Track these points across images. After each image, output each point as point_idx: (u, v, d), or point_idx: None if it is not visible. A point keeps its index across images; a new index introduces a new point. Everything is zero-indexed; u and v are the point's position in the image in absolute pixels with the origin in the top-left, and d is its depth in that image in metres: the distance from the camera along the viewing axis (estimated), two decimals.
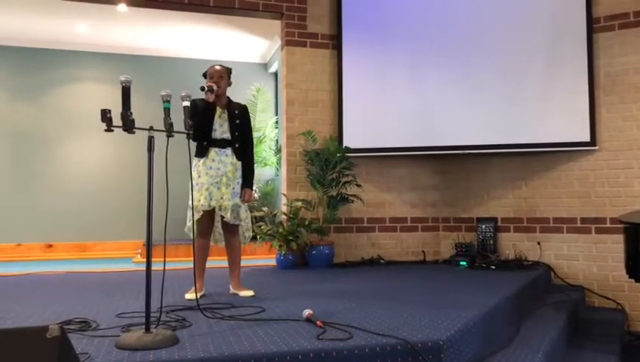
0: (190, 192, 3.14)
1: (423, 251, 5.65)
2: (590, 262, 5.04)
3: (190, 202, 3.35)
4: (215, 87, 3.36)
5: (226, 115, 3.47)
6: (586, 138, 5.05)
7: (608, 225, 4.93)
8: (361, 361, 2.15)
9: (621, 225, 3.86)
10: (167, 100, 2.44)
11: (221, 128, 3.44)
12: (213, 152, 3.41)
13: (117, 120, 2.31)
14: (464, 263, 5.08)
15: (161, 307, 2.54)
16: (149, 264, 2.27)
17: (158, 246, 2.82)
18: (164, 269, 2.45)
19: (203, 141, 3.41)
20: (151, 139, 2.33)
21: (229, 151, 3.46)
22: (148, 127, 2.32)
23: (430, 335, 2.32)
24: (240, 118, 3.53)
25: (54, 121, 7.72)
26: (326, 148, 5.19)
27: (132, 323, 2.49)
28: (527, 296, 3.92)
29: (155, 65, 7.86)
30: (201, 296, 3.22)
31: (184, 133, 2.51)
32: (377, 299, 3.31)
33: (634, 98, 4.93)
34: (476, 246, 5.41)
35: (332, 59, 5.58)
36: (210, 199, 3.37)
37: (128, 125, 2.32)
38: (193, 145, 2.56)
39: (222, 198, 3.38)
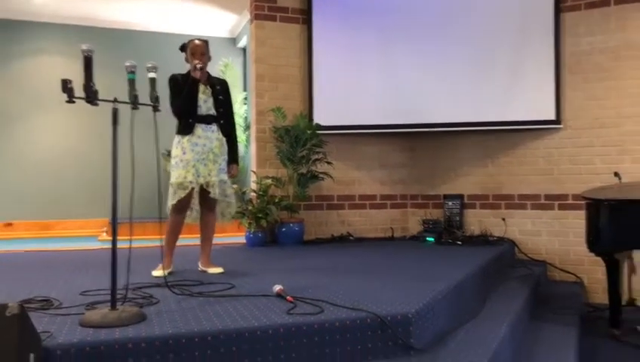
0: (169, 171, 3.07)
1: (391, 228, 5.71)
2: (553, 237, 5.19)
3: (173, 179, 3.29)
4: (202, 65, 3.29)
5: (209, 91, 3.41)
6: (552, 117, 5.15)
7: (570, 201, 5.07)
8: (332, 335, 2.16)
9: (583, 202, 3.98)
10: (131, 71, 2.36)
11: (206, 104, 3.39)
12: (200, 129, 3.36)
13: (80, 93, 2.22)
14: (431, 239, 5.17)
15: (128, 284, 2.48)
16: (114, 239, 2.22)
17: (126, 224, 2.75)
18: (130, 247, 2.39)
19: (189, 118, 3.34)
20: (115, 112, 2.25)
21: (214, 127, 3.41)
22: (112, 99, 2.24)
23: (399, 308, 2.34)
24: (222, 93, 3.47)
25: (13, 96, 7.41)
26: (296, 125, 5.15)
27: (97, 301, 2.43)
28: (492, 271, 4.02)
29: (120, 39, 7.60)
30: (169, 273, 3.18)
31: (150, 105, 2.43)
32: (347, 275, 3.33)
33: (597, 78, 5.03)
34: (443, 222, 5.50)
35: (302, 34, 5.50)
36: (198, 176, 3.32)
37: (91, 97, 2.23)
38: (160, 118, 2.48)
39: (209, 175, 3.35)
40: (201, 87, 3.38)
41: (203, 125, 3.36)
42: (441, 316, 2.62)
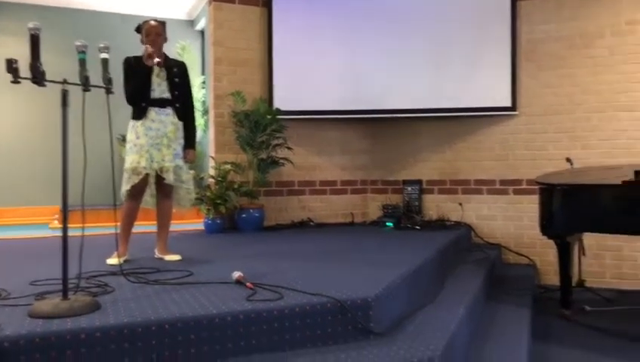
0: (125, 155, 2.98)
1: (351, 213, 5.74)
2: (507, 221, 5.33)
3: (127, 165, 3.20)
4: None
5: (164, 74, 3.30)
6: (507, 103, 5.26)
7: (525, 186, 5.21)
8: (292, 320, 2.15)
9: (537, 187, 4.09)
10: (82, 51, 2.25)
11: (160, 87, 3.28)
12: (153, 112, 3.26)
13: (26, 74, 2.11)
14: (390, 224, 5.22)
15: (80, 272, 2.40)
16: (65, 226, 2.13)
17: (78, 211, 2.64)
18: (83, 234, 2.31)
19: (141, 102, 3.23)
20: (65, 94, 2.14)
21: (169, 110, 3.31)
22: (61, 80, 2.13)
23: (359, 292, 2.35)
24: (179, 76, 3.37)
25: None
26: (256, 109, 5.07)
27: (47, 291, 2.33)
28: (450, 255, 4.10)
29: (70, 19, 7.27)
30: (124, 261, 3.10)
31: (102, 87, 2.33)
32: (308, 260, 3.33)
33: (552, 65, 5.16)
34: (402, 207, 5.56)
35: (262, 18, 5.41)
36: (152, 161, 3.23)
37: (38, 77, 2.12)
38: (115, 101, 2.39)
39: (163, 160, 3.26)
40: (156, 70, 3.27)
41: (156, 109, 3.27)
42: (400, 300, 2.65)
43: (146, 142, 3.22)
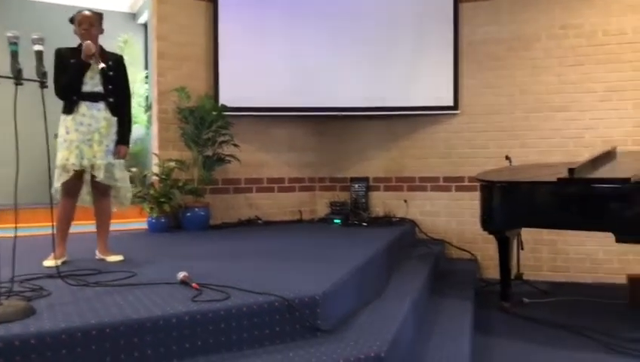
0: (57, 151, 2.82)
1: (299, 210, 5.73)
2: (450, 217, 5.49)
3: (57, 161, 3.05)
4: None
5: (97, 67, 3.14)
6: (450, 103, 5.41)
7: (466, 183, 5.38)
8: (239, 320, 2.12)
9: (478, 183, 4.23)
10: (13, 42, 2.13)
11: (92, 81, 3.13)
12: (84, 107, 3.11)
13: None
14: (338, 221, 5.26)
15: (13, 276, 2.27)
16: None
17: (10, 211, 2.51)
18: (16, 235, 2.18)
19: (72, 95, 3.08)
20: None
21: (101, 105, 3.16)
22: None
23: (307, 290, 2.35)
24: (114, 69, 3.23)
25: None
26: (201, 105, 4.97)
27: None
28: (395, 250, 4.17)
29: (7, 9, 6.88)
30: (62, 263, 2.96)
31: (36, 81, 2.21)
32: (255, 259, 3.30)
33: (492, 66, 5.34)
34: (350, 204, 5.61)
35: (207, 12, 5.30)
36: (82, 158, 3.08)
37: None
38: (47, 95, 2.28)
39: (94, 157, 3.11)
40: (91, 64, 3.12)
41: (88, 103, 3.12)
42: (347, 296, 2.67)
43: (76, 137, 3.08)
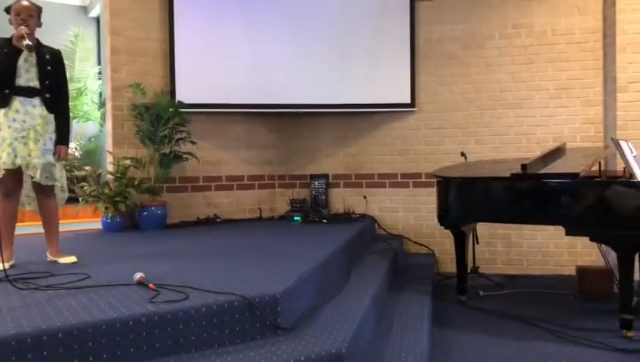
0: None
1: (259, 208, 5.70)
2: (408, 213, 5.57)
3: None
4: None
5: (34, 60, 3.00)
6: (407, 100, 5.49)
7: (424, 179, 5.47)
8: (198, 321, 2.09)
9: (434, 179, 4.31)
10: None
11: (27, 74, 2.99)
12: (18, 102, 2.96)
13: None
14: (298, 218, 5.26)
15: None
16: None
17: None
18: None
19: (4, 88, 2.93)
20: None
21: (36, 101, 3.02)
22: None
23: (267, 289, 2.34)
24: (52, 64, 3.09)
25: None
26: (157, 102, 4.87)
27: None
28: (355, 247, 4.20)
29: None
30: (10, 266, 2.84)
31: None
32: (214, 258, 3.26)
33: (448, 64, 5.45)
34: (309, 201, 5.62)
35: (162, 5, 5.18)
36: (15, 156, 2.92)
37: None
38: None
39: (29, 156, 2.96)
40: (24, 55, 2.96)
41: (21, 98, 2.97)
42: (308, 294, 2.67)
43: (8, 134, 2.92)
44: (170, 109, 4.83)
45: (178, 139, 4.95)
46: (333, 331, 2.30)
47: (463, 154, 4.92)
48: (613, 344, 3.19)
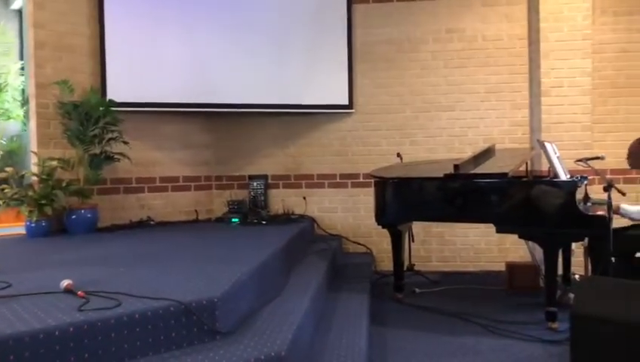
0: None
1: (195, 210, 5.56)
2: (347, 213, 5.63)
3: None
4: None
5: None
6: (345, 101, 5.54)
7: (361, 180, 5.54)
8: (131, 328, 2.01)
9: (372, 180, 4.38)
10: None
11: None
12: None
13: None
14: (236, 220, 5.18)
15: None
16: None
17: None
18: None
19: None
20: None
21: None
22: None
23: (204, 293, 2.28)
24: None
25: None
26: (86, 100, 4.64)
27: None
28: (294, 247, 4.19)
29: None
30: None
31: None
32: (148, 262, 3.14)
33: (384, 67, 5.55)
34: (248, 202, 5.55)
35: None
36: None
37: None
38: None
39: None
40: None
41: None
42: (247, 297, 2.63)
43: None
44: (101, 108, 4.62)
45: (109, 139, 4.74)
46: (273, 334, 2.28)
47: (399, 155, 5.03)
48: (541, 335, 3.36)
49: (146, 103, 5.09)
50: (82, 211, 4.58)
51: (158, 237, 4.40)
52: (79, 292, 2.23)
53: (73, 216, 4.54)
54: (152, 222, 5.12)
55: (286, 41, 5.42)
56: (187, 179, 5.58)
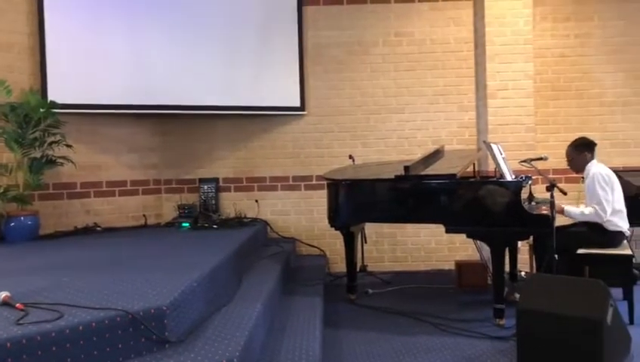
0: None
1: (144, 215, 5.41)
2: (300, 215, 5.61)
3: None
4: None
5: None
6: (297, 103, 5.52)
7: (314, 182, 5.54)
8: (74, 341, 1.92)
9: (325, 182, 4.38)
10: None
11: None
12: None
13: None
14: (186, 224, 5.06)
15: None
16: None
17: None
18: None
19: None
20: None
21: None
22: None
23: (153, 301, 2.22)
24: None
25: None
26: (25, 101, 4.42)
27: None
28: (247, 252, 4.14)
29: None
30: None
31: None
32: (93, 270, 3.02)
33: (335, 69, 5.57)
34: (199, 206, 5.44)
35: None
36: None
37: None
38: None
39: None
40: None
41: None
42: (197, 304, 2.57)
43: None
44: (42, 110, 4.41)
45: (51, 142, 4.53)
46: (224, 341, 2.23)
47: (351, 157, 5.06)
48: (489, 332, 3.45)
49: (90, 105, 4.91)
50: (22, 218, 4.36)
51: (104, 243, 4.24)
52: (17, 305, 2.11)
53: (12, 224, 4.32)
54: (98, 228, 4.94)
55: (237, 42, 5.35)
56: (135, 183, 5.41)
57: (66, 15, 4.82)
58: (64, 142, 4.58)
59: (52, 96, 4.67)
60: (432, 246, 5.54)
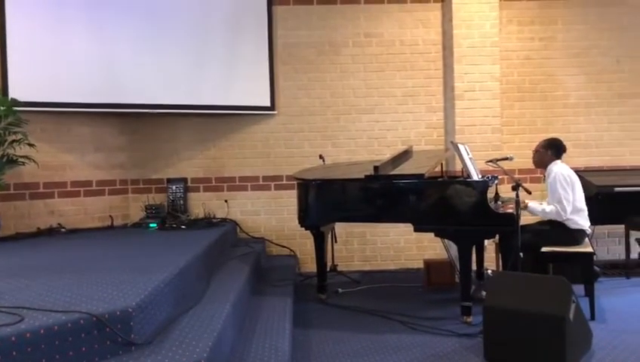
0: None
1: (110, 216, 5.30)
2: (270, 215, 5.59)
3: None
4: None
5: None
6: (267, 103, 5.50)
7: (284, 182, 5.53)
8: (35, 345, 1.87)
9: (295, 182, 4.38)
10: None
11: None
12: None
13: None
14: (154, 225, 4.99)
15: None
16: None
17: None
18: None
19: None
20: None
21: None
22: None
23: (118, 303, 2.17)
24: None
25: None
26: None
27: None
28: (216, 252, 4.10)
29: None
30: None
31: None
32: (56, 273, 2.94)
33: (305, 69, 5.57)
34: (167, 207, 5.36)
35: None
36: None
37: None
38: None
39: None
40: None
41: None
42: (164, 305, 2.53)
43: None
44: (2, 107, 4.28)
45: (12, 141, 4.39)
46: (192, 342, 2.20)
47: (321, 156, 5.07)
48: (457, 330, 3.50)
49: (53, 103, 4.78)
50: None
51: (69, 245, 4.14)
52: None
53: None
54: (62, 230, 4.82)
55: (205, 41, 5.29)
56: (101, 183, 5.30)
57: (29, 12, 4.68)
58: (26, 141, 4.44)
59: (13, 93, 4.53)
60: (401, 245, 5.60)
